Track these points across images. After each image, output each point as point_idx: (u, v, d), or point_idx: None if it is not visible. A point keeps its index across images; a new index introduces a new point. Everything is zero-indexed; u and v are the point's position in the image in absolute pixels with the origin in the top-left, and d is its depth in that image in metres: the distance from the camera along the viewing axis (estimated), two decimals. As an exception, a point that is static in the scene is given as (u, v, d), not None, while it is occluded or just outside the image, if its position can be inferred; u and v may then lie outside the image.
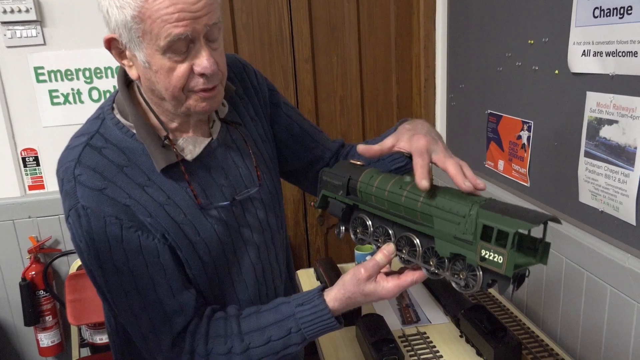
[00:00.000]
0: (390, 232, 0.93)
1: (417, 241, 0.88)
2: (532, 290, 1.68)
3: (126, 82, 0.95)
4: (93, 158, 0.87)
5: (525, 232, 0.78)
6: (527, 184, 1.66)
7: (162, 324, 0.90)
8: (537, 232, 0.78)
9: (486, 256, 0.76)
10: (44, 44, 2.02)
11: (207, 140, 0.96)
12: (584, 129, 1.36)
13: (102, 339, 2.10)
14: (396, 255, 0.91)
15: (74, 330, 2.09)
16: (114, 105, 0.94)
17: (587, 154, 1.35)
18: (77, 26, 2.03)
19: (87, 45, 2.06)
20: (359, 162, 1.01)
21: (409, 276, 0.88)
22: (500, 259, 0.74)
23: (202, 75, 0.85)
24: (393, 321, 1.58)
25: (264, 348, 0.91)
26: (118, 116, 0.92)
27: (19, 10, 1.94)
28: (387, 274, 0.92)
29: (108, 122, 0.91)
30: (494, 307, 1.64)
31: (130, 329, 0.92)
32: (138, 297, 0.88)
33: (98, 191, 0.85)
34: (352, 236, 1.00)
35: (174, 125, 0.94)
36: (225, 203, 0.96)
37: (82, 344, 2.15)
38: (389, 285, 0.89)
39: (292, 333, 0.91)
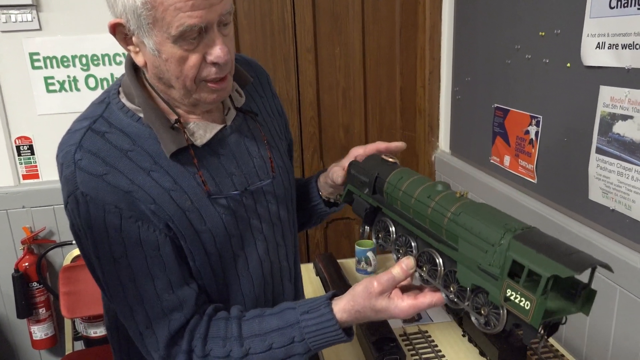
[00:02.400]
0: (413, 244, 0.84)
1: (439, 260, 0.78)
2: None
3: (133, 66, 0.91)
4: (95, 142, 0.83)
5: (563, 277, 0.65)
6: (534, 181, 1.62)
7: (159, 320, 0.86)
8: (583, 275, 0.66)
9: (511, 297, 0.65)
10: (40, 29, 1.97)
11: (219, 127, 0.93)
12: (596, 124, 1.31)
13: (96, 332, 2.06)
14: (415, 271, 0.83)
15: (67, 323, 2.05)
16: (120, 89, 0.90)
17: (599, 150, 1.31)
18: (74, 11, 1.98)
19: (84, 31, 2.00)
20: (391, 159, 0.93)
21: (428, 298, 0.80)
22: (527, 305, 0.63)
23: (214, 64, 0.82)
24: (394, 319, 1.54)
25: (264, 355, 0.86)
26: (124, 100, 0.88)
27: (14, -6, 1.89)
28: (405, 289, 0.85)
29: (113, 106, 0.88)
30: (497, 306, 1.61)
31: (126, 322, 0.89)
32: (135, 290, 0.85)
33: (99, 177, 0.81)
34: (374, 240, 0.94)
35: (181, 110, 0.91)
36: (234, 192, 0.92)
37: (76, 337, 2.11)
38: (403, 304, 0.81)
39: (295, 342, 0.85)
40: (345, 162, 1.02)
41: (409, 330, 1.49)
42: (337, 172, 1.02)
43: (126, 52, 0.87)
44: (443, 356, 1.36)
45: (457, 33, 2.12)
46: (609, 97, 1.26)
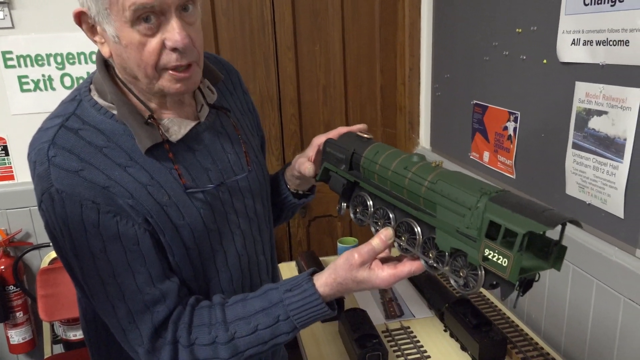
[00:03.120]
0: (391, 215, 0.86)
1: (418, 229, 0.81)
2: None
3: (105, 63, 0.90)
4: (69, 139, 0.82)
5: (539, 233, 0.69)
6: (513, 176, 1.64)
7: (142, 314, 0.85)
8: (553, 233, 0.70)
9: (489, 256, 0.68)
10: (12, 27, 1.92)
11: (193, 123, 0.92)
12: (572, 120, 1.33)
13: (75, 335, 2.03)
14: (394, 241, 0.86)
15: (46, 326, 2.01)
16: (92, 86, 0.89)
17: (575, 146, 1.33)
18: (48, 9, 1.93)
19: (58, 29, 1.96)
20: (366, 135, 0.95)
21: (407, 266, 0.83)
22: (504, 262, 0.66)
23: (174, 50, 0.80)
24: (376, 315, 1.55)
25: (250, 337, 0.86)
26: (96, 97, 0.87)
27: (-15, -9, 1.84)
28: (384, 260, 0.86)
29: (85, 104, 0.87)
30: (478, 301, 1.62)
31: (108, 319, 0.87)
32: (116, 286, 0.83)
33: (74, 173, 0.80)
34: (352, 215, 0.95)
35: (153, 105, 0.90)
36: (211, 185, 0.91)
37: (55, 340, 2.07)
38: (383, 274, 0.83)
39: (280, 321, 0.86)
40: (310, 152, 1.03)
41: (391, 326, 1.49)
42: (303, 163, 1.03)
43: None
44: (425, 351, 1.37)
45: (436, 30, 2.13)
46: (584, 93, 1.28)
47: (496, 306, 1.59)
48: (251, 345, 0.86)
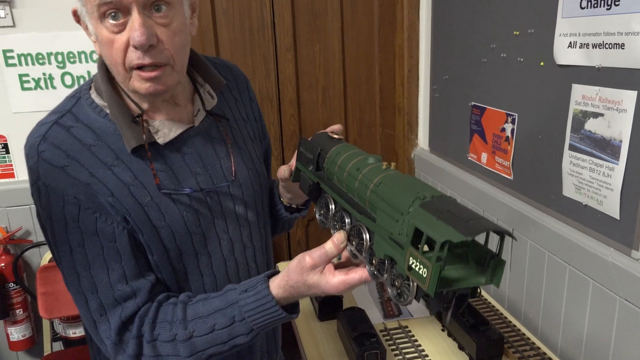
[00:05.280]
0: (346, 219, 0.83)
1: (366, 234, 0.76)
2: (514, 284, 1.68)
3: (105, 69, 0.92)
4: (59, 136, 0.85)
5: (464, 242, 0.61)
6: (511, 177, 1.65)
7: (112, 308, 0.87)
8: (492, 245, 0.65)
9: (413, 266, 0.63)
10: (14, 25, 1.93)
11: (185, 127, 0.94)
12: (569, 121, 1.34)
13: (75, 332, 2.04)
14: (347, 246, 0.83)
15: (45, 324, 2.02)
16: (92, 85, 0.92)
17: (572, 147, 1.34)
18: (49, 7, 1.94)
19: (59, 28, 1.97)
20: (336, 136, 0.93)
21: (358, 273, 0.79)
22: (424, 272, 0.60)
23: (136, 48, 0.80)
24: (375, 315, 1.56)
25: (207, 337, 0.86)
26: (93, 96, 0.90)
27: (-14, -10, 1.85)
28: (342, 265, 0.85)
29: (82, 102, 0.90)
30: (476, 301, 1.63)
31: (81, 310, 0.90)
32: (90, 279, 0.86)
33: (60, 169, 0.83)
34: (316, 216, 0.93)
35: (145, 105, 0.91)
36: (187, 190, 0.92)
37: (55, 337, 2.08)
38: (334, 280, 0.80)
39: (236, 322, 0.86)
40: (294, 160, 1.02)
41: (390, 325, 1.51)
42: (282, 169, 1.03)
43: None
44: (423, 350, 1.38)
45: (434, 32, 2.14)
46: (580, 95, 1.30)
47: (493, 306, 1.60)
48: (210, 345, 0.87)
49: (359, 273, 0.79)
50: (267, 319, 0.86)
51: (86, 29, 0.87)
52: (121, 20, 0.79)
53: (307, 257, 0.82)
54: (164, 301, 0.90)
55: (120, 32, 0.80)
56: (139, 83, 0.84)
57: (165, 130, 0.91)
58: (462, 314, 1.39)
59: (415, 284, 0.66)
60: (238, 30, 2.20)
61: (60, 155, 0.84)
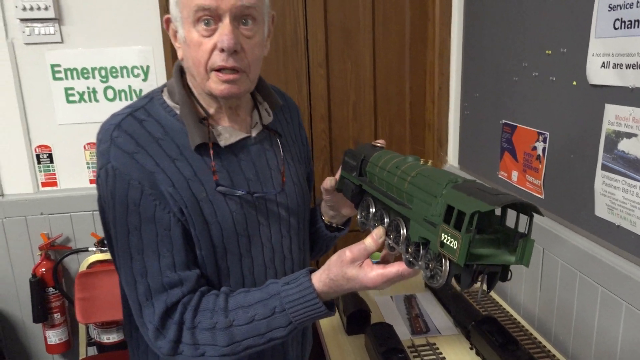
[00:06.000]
0: (385, 216, 0.87)
1: (403, 229, 0.80)
2: (544, 304, 1.66)
3: (180, 70, 1.02)
4: (132, 126, 0.93)
5: (492, 215, 0.66)
6: (542, 196, 1.64)
7: (159, 293, 0.92)
8: (521, 226, 0.68)
9: (445, 241, 0.67)
10: (62, 41, 2.04)
11: (243, 135, 1.01)
12: (602, 141, 1.34)
13: (109, 338, 2.10)
14: (385, 240, 0.86)
15: (81, 328, 2.09)
16: (165, 89, 1.01)
17: (605, 167, 1.33)
18: (95, 25, 2.04)
19: (104, 44, 2.07)
20: (379, 144, 1.00)
21: (395, 266, 0.82)
22: (455, 244, 0.64)
23: (222, 51, 0.89)
24: (402, 331, 1.57)
25: (247, 327, 0.90)
26: (165, 97, 0.99)
27: (38, 8, 1.96)
28: (383, 261, 0.88)
29: (155, 101, 0.99)
30: (505, 320, 1.62)
31: (129, 292, 0.95)
32: (142, 262, 0.92)
33: (129, 154, 0.90)
34: (358, 219, 0.97)
35: (211, 110, 1.00)
36: (240, 191, 0.98)
37: (89, 342, 2.15)
38: (372, 273, 0.83)
39: (276, 313, 0.89)
40: (339, 173, 1.08)
41: (417, 341, 1.51)
42: (327, 179, 1.08)
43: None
44: (449, 367, 1.38)
45: (465, 50, 2.16)
46: (613, 115, 1.29)
47: (522, 326, 1.59)
48: (248, 336, 0.90)
49: (397, 266, 0.82)
50: (307, 311, 0.89)
51: (174, 35, 0.97)
52: (212, 27, 0.89)
53: (347, 251, 0.86)
54: (206, 292, 0.95)
55: (209, 36, 0.90)
56: (215, 84, 0.93)
57: (226, 135, 0.99)
58: (490, 333, 1.39)
59: (447, 262, 0.69)
60: (272, 46, 2.26)
61: (131, 143, 0.91)
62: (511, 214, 0.71)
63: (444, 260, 0.70)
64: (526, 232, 0.67)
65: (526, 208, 0.66)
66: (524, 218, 0.68)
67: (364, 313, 1.58)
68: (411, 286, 1.88)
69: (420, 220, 0.74)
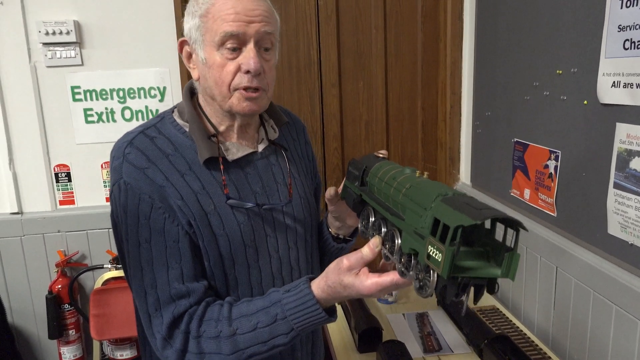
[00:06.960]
0: (382, 226, 0.89)
1: (398, 239, 0.82)
2: (558, 322, 1.64)
3: (190, 92, 1.08)
4: (143, 142, 0.98)
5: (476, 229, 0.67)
6: (554, 214, 1.64)
7: (167, 304, 0.95)
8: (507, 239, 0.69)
9: (431, 253, 0.68)
10: (82, 64, 2.10)
11: (250, 150, 1.06)
12: (614, 160, 1.34)
13: (122, 355, 2.11)
14: (381, 249, 0.87)
15: (96, 345, 2.11)
16: (176, 109, 1.07)
17: (617, 185, 1.34)
18: (114, 48, 2.11)
19: (122, 67, 2.13)
20: (382, 155, 1.01)
21: (390, 276, 0.84)
22: (439, 257, 0.66)
23: (247, 72, 0.95)
24: (414, 349, 1.56)
25: (250, 335, 0.92)
26: (175, 117, 1.04)
27: (60, 32, 2.03)
28: (380, 271, 0.89)
29: (166, 120, 1.04)
30: (518, 338, 1.61)
31: (139, 303, 0.98)
32: (152, 274, 0.95)
33: (140, 170, 0.94)
34: (359, 227, 0.99)
35: (222, 128, 1.04)
36: (249, 204, 1.01)
37: (103, 359, 2.16)
38: (368, 282, 0.85)
39: (278, 320, 0.91)
40: (343, 184, 1.10)
41: (429, 360, 1.50)
42: (329, 189, 1.09)
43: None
44: (463, 387, 1.37)
45: (477, 70, 2.18)
46: (625, 134, 1.30)
47: (536, 345, 1.57)
48: (251, 344, 0.92)
49: (391, 275, 0.84)
50: (307, 318, 0.91)
51: (188, 57, 1.02)
52: (237, 52, 0.95)
53: (345, 259, 0.89)
54: (212, 302, 0.97)
55: (233, 59, 0.95)
56: (238, 101, 0.98)
57: (234, 150, 1.03)
58: (503, 352, 1.38)
59: (435, 274, 0.70)
60: (286, 67, 2.31)
61: (143, 159, 0.95)
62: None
63: (432, 271, 0.71)
64: (512, 246, 0.68)
65: (512, 223, 0.68)
66: (524, 232, 0.69)
67: (376, 330, 1.58)
68: (423, 304, 1.87)
69: (411, 232, 0.76)
